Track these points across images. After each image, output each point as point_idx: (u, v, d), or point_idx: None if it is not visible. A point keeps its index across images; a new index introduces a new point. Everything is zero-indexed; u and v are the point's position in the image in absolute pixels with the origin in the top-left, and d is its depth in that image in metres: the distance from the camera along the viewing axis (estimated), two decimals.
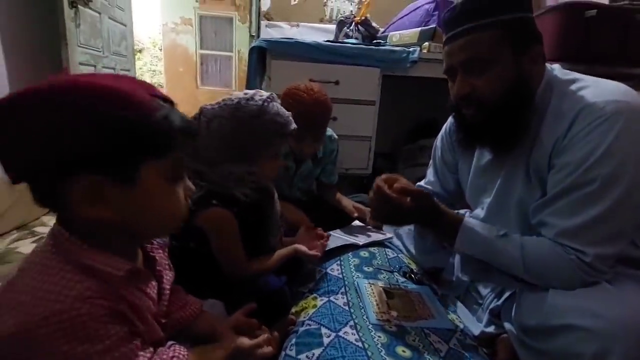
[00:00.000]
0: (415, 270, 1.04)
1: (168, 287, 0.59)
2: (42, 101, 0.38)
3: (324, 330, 0.73)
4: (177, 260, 0.69)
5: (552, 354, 0.65)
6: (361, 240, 1.14)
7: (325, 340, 0.70)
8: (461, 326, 0.83)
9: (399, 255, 1.12)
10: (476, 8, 0.76)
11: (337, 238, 1.14)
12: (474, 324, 0.87)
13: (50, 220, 1.51)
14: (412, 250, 1.13)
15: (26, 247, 1.30)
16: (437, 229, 0.83)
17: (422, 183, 1.17)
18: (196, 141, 0.49)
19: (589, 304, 0.61)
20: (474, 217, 0.97)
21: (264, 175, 0.86)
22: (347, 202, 1.34)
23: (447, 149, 1.04)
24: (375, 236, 1.19)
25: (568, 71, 0.79)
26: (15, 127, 0.38)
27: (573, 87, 0.72)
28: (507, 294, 0.83)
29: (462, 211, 1.22)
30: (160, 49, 7.22)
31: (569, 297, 0.64)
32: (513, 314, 0.76)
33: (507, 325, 0.78)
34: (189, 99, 7.12)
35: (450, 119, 1.00)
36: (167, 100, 0.46)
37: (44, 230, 1.43)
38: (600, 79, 0.74)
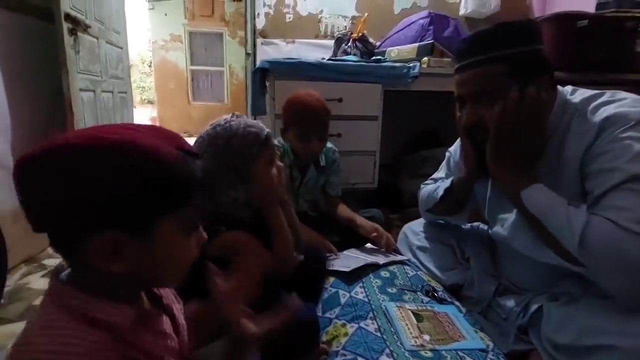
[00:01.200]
0: (436, 288, 1.04)
1: (181, 317, 0.57)
2: (62, 157, 0.38)
3: None
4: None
5: None
6: (380, 259, 1.14)
7: None
8: (491, 345, 0.84)
9: (418, 273, 1.12)
10: (486, 41, 0.79)
11: (357, 258, 1.14)
12: (502, 341, 0.87)
13: None
14: (431, 268, 1.14)
15: (37, 282, 1.28)
16: (521, 163, 0.78)
17: (434, 176, 1.20)
18: (208, 190, 0.49)
19: (627, 324, 0.61)
20: (494, 235, 0.98)
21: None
22: (364, 222, 1.28)
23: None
24: (392, 258, 1.18)
25: (581, 90, 0.82)
26: (37, 182, 0.38)
27: (592, 105, 0.75)
28: (533, 308, 0.84)
29: (475, 224, 1.24)
30: (150, 65, 7.21)
31: (603, 316, 0.65)
32: (542, 331, 0.77)
33: (536, 343, 0.79)
34: (181, 115, 7.11)
35: None
36: (190, 152, 0.45)
37: (53, 262, 1.40)
38: (615, 91, 0.77)
